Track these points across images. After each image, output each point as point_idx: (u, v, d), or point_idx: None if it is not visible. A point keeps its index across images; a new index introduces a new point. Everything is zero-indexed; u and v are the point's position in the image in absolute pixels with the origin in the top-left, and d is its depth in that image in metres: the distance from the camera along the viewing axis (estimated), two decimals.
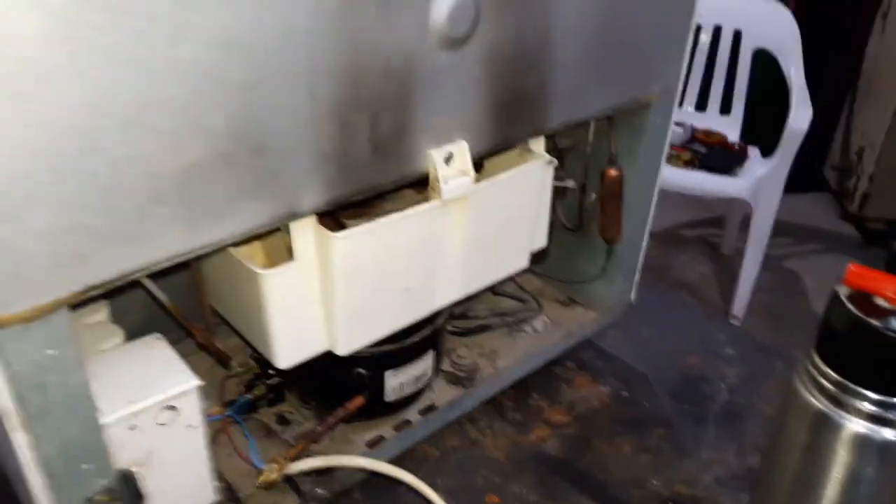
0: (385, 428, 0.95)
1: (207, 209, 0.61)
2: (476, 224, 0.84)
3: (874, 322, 0.52)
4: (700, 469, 0.99)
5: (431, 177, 0.77)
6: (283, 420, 0.95)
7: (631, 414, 1.08)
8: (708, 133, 3.16)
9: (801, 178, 4.05)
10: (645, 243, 1.16)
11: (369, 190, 0.73)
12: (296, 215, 0.68)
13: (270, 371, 0.93)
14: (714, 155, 3.05)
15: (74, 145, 0.52)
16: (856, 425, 0.55)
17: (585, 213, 1.10)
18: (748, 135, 3.25)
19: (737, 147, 3.11)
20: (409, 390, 0.94)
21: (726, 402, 1.12)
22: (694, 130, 3.18)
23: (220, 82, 0.58)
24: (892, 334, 0.52)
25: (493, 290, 1.19)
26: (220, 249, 0.65)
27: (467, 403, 1.02)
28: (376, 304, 0.79)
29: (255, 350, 0.94)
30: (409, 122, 0.74)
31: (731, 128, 3.19)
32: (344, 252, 0.73)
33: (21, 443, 0.58)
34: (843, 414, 0.55)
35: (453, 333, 1.08)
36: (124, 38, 0.52)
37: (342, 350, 0.79)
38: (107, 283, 0.58)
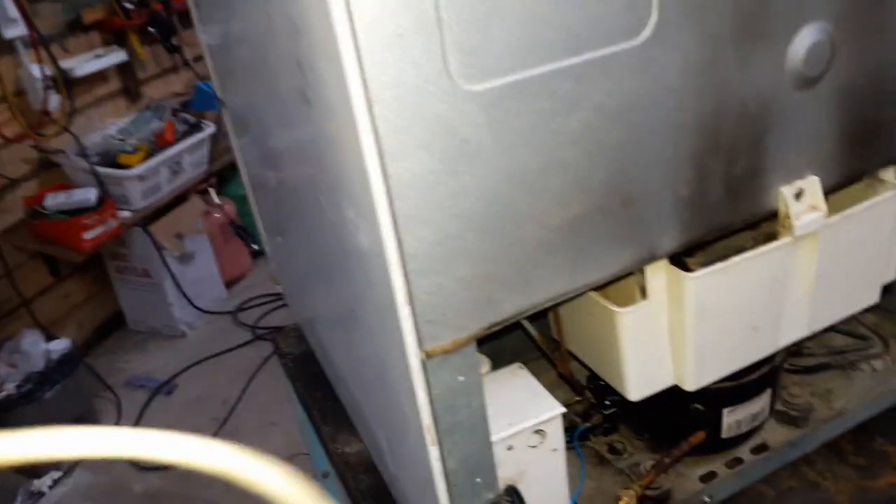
0: (717, 464, 0.95)
1: (585, 256, 0.68)
2: (826, 259, 0.82)
3: None
4: None
5: (782, 214, 0.77)
6: (613, 450, 1.00)
7: None
8: None
9: None
10: None
11: (721, 229, 0.75)
12: (654, 258, 0.73)
13: (607, 402, 0.98)
14: None
15: (493, 208, 0.62)
16: None
17: None
18: None
19: None
20: (745, 428, 0.93)
21: None
22: None
23: (601, 144, 0.65)
24: None
25: (837, 329, 1.14)
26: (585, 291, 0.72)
27: (805, 444, 0.98)
28: (724, 341, 0.80)
29: (591, 381, 1.00)
30: (761, 161, 0.75)
31: None
32: (697, 291, 0.76)
33: (433, 456, 0.69)
34: None
35: (790, 371, 1.04)
36: (531, 115, 0.61)
37: (690, 385, 0.81)
38: (505, 321, 0.67)
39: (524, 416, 0.77)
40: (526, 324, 0.81)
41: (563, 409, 0.77)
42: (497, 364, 0.88)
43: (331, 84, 0.58)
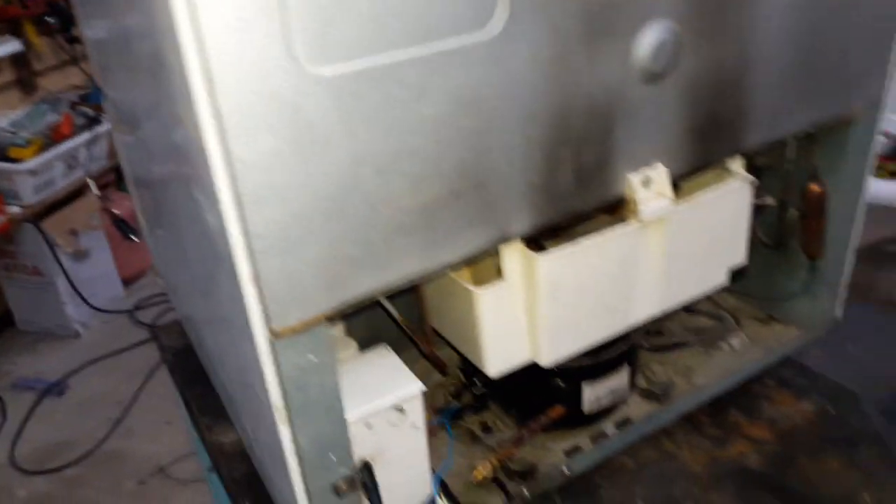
0: (582, 438, 1.00)
1: (439, 238, 0.70)
2: (674, 244, 0.87)
3: None
4: None
5: (629, 200, 0.82)
6: (486, 428, 1.03)
7: (838, 431, 1.04)
8: None
9: None
10: (850, 258, 1.12)
11: (571, 214, 0.79)
12: (506, 239, 0.76)
13: (476, 382, 1.01)
14: None
15: (342, 191, 0.63)
16: None
17: (785, 229, 1.09)
18: None
19: None
20: (605, 402, 0.98)
21: None
22: None
23: (452, 131, 0.67)
24: None
25: (688, 308, 1.20)
26: (443, 272, 0.74)
27: (664, 417, 1.04)
28: (577, 319, 0.84)
29: (463, 363, 1.03)
30: (610, 151, 0.79)
31: None
32: (548, 271, 0.79)
33: (284, 435, 0.70)
34: None
35: (649, 350, 1.10)
36: (380, 101, 0.62)
37: (545, 361, 0.85)
38: (359, 302, 0.68)
39: (383, 393, 0.78)
40: (386, 304, 0.82)
41: (423, 388, 0.80)
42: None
43: (176, 64, 0.57)
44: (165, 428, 2.49)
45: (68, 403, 2.69)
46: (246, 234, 0.60)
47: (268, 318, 0.64)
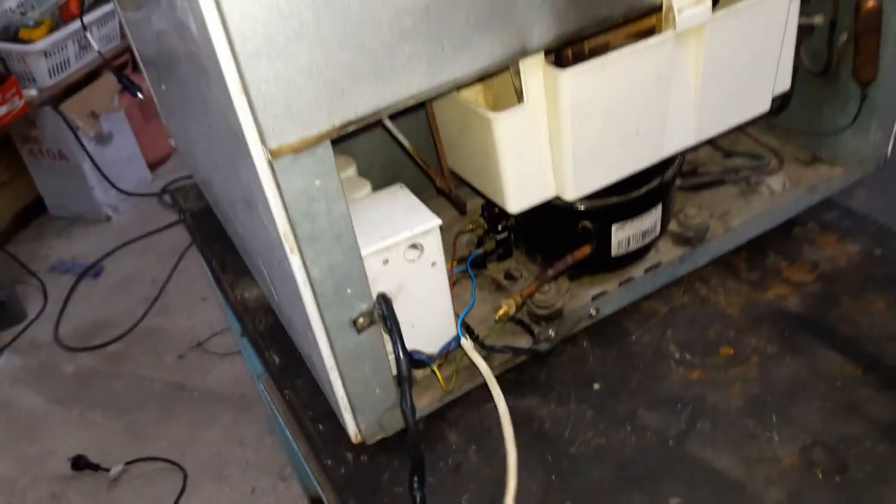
0: (611, 284, 0.95)
1: (446, 45, 0.63)
2: (713, 59, 0.78)
3: None
4: None
5: (665, 6, 0.73)
6: (510, 276, 0.99)
7: (884, 272, 0.98)
8: None
9: None
10: None
11: (599, 23, 0.71)
12: (526, 52, 0.68)
13: (500, 227, 0.96)
14: None
15: None
16: None
17: (835, 53, 0.99)
18: None
19: None
20: (635, 245, 0.93)
21: None
22: None
23: None
24: None
25: (727, 151, 1.13)
26: (456, 91, 0.68)
27: (696, 260, 0.99)
28: (605, 147, 0.78)
29: (484, 208, 0.98)
30: None
31: None
32: (573, 89, 0.72)
33: (295, 265, 0.66)
34: None
35: (683, 189, 1.04)
36: None
37: (570, 195, 0.79)
38: (362, 119, 0.62)
39: (399, 229, 0.74)
40: (393, 129, 0.76)
41: (439, 221, 0.75)
42: None
43: None
44: (201, 304, 2.54)
45: (105, 284, 2.75)
46: (228, 36, 0.54)
47: (263, 136, 0.59)
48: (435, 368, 0.83)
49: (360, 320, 0.71)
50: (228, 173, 0.78)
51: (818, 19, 0.95)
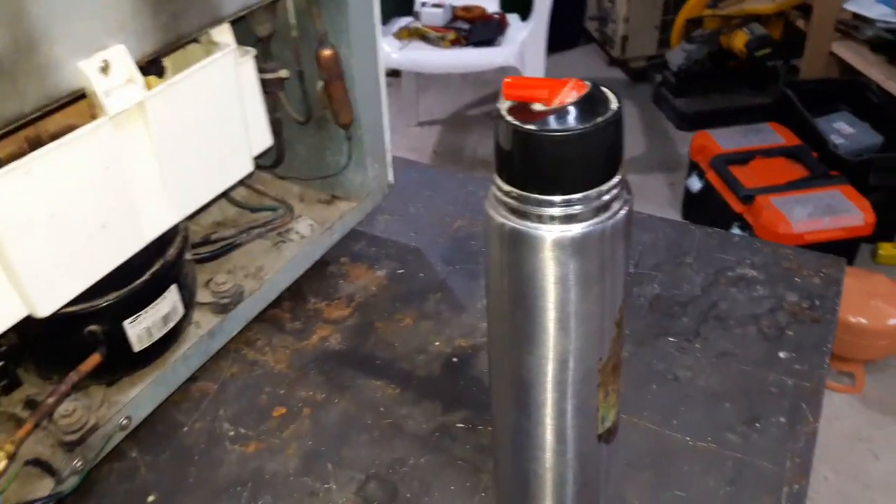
0: (150, 377, 0.88)
1: None
2: (166, 136, 0.76)
3: (530, 127, 0.51)
4: (477, 318, 1.01)
5: (89, 92, 0.68)
6: (31, 404, 0.85)
7: (408, 288, 1.08)
8: (467, 8, 3.17)
9: (568, 35, 4.21)
10: (387, 123, 1.12)
11: (7, 122, 0.63)
12: None
13: None
14: (477, 29, 3.08)
15: None
16: (549, 232, 0.55)
17: (312, 101, 1.04)
18: (505, 3, 3.30)
19: (496, 17, 3.15)
20: (159, 334, 0.86)
21: None
22: (454, 9, 3.17)
23: None
24: (547, 133, 0.51)
25: (253, 206, 1.13)
26: None
27: (234, 325, 0.96)
28: (67, 250, 0.70)
29: None
30: (33, 33, 0.63)
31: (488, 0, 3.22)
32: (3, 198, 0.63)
33: None
34: (535, 225, 0.55)
35: (200, 261, 1.00)
36: None
37: (43, 311, 0.70)
38: None
39: None
40: None
41: None
42: None
43: None
44: None
45: None
46: None
47: None
48: None
49: None
50: None
51: (284, 73, 0.99)
